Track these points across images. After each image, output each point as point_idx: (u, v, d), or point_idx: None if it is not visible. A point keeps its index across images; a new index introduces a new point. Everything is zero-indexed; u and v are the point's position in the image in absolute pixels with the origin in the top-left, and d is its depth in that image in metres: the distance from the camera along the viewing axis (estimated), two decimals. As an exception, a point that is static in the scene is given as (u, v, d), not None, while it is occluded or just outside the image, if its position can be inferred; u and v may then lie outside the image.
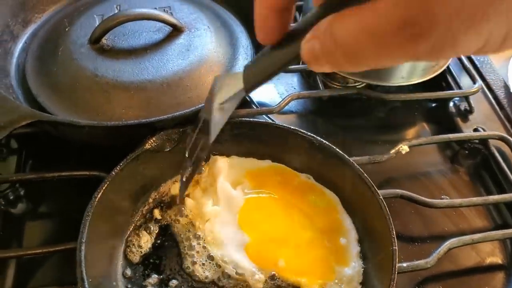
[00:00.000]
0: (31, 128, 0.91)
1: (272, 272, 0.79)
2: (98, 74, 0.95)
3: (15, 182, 0.94)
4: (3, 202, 0.92)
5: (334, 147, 0.86)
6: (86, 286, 0.68)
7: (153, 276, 0.79)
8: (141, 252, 0.82)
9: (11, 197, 0.94)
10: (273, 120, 1.07)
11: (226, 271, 0.79)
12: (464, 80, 1.19)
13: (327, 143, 0.87)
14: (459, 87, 1.17)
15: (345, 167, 0.85)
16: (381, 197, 0.80)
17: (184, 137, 0.87)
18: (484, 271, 0.91)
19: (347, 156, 0.85)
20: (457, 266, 0.91)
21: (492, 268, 0.91)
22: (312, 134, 0.88)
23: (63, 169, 0.91)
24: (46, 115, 0.85)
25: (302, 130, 0.88)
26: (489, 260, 0.92)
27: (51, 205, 0.96)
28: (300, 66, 1.16)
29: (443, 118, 1.16)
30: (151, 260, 0.81)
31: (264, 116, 1.07)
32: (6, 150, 0.99)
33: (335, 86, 1.17)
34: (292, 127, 0.89)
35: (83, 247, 0.72)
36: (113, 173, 0.80)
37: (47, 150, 1.00)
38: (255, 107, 1.12)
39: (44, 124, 0.85)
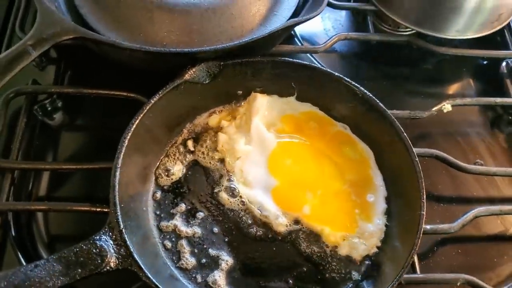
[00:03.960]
0: (72, 40, 0.90)
1: (296, 217, 0.81)
2: (144, -8, 0.92)
3: (53, 94, 0.94)
4: (40, 113, 0.94)
5: (377, 101, 0.84)
6: (118, 211, 0.70)
7: (181, 205, 0.81)
8: (172, 179, 0.83)
9: (49, 108, 0.95)
10: (316, 60, 1.04)
11: (251, 210, 0.81)
12: (523, 40, 1.12)
13: (370, 95, 0.84)
14: (516, 48, 1.10)
15: (386, 123, 0.83)
16: (417, 159, 0.79)
17: (224, 70, 0.85)
18: (506, 240, 0.91)
19: (389, 112, 0.83)
20: (480, 232, 0.91)
21: (515, 239, 0.91)
22: (356, 84, 0.85)
23: (102, 87, 0.91)
24: (90, 32, 0.84)
25: (346, 78, 0.85)
26: (513, 231, 0.92)
27: (87, 120, 0.97)
28: (351, 4, 1.11)
29: (492, 78, 1.11)
30: (181, 190, 0.83)
31: (307, 54, 1.04)
32: (45, 59, 0.99)
33: (385, 28, 1.11)
34: (336, 74, 0.86)
35: (117, 173, 0.73)
36: (151, 101, 0.80)
37: (87, 64, 0.99)
38: (299, 42, 1.08)
39: (87, 41, 0.84)
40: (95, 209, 0.79)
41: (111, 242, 0.68)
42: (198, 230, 0.79)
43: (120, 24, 0.92)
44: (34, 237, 0.83)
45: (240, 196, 0.82)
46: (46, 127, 0.94)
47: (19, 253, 0.80)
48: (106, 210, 0.76)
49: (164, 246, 0.78)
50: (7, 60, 0.79)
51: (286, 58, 0.88)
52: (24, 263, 0.79)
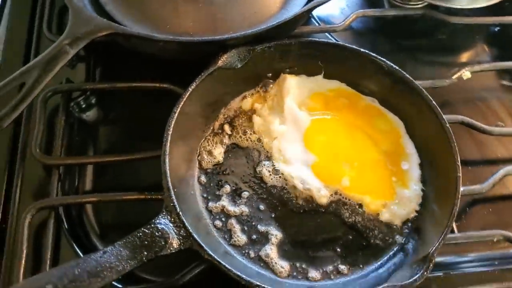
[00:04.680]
0: (105, 37, 0.93)
1: (336, 190, 0.85)
2: (167, -17, 0.95)
3: (87, 91, 0.97)
4: (76, 109, 0.96)
5: (404, 73, 0.87)
6: (173, 195, 0.73)
7: (226, 186, 0.85)
8: (214, 163, 0.87)
9: (83, 105, 0.97)
10: (334, 38, 1.07)
11: (293, 184, 0.84)
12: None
13: (397, 68, 0.88)
14: (527, 11, 1.13)
15: (413, 94, 0.86)
16: (448, 125, 0.82)
17: (253, 55, 0.88)
18: (533, 196, 0.95)
19: (416, 83, 0.86)
20: (507, 190, 0.95)
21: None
22: (382, 58, 0.88)
23: (132, 80, 0.94)
24: (123, 27, 0.86)
25: (372, 53, 0.89)
26: (540, 188, 0.96)
27: (122, 113, 0.99)
28: (364, -19, 1.13)
29: (506, 43, 1.14)
30: (224, 172, 0.86)
31: (326, 34, 1.07)
32: (74, 58, 1.00)
33: (397, 3, 1.14)
34: (362, 50, 0.89)
35: (167, 160, 0.77)
36: (189, 89, 0.83)
37: (114, 58, 1.01)
38: (316, 22, 1.11)
39: (120, 36, 0.86)
40: (144, 197, 0.81)
41: (171, 225, 0.71)
42: (245, 209, 0.83)
43: (147, 18, 0.95)
44: (86, 229, 0.86)
45: (282, 173, 0.85)
46: (83, 123, 0.96)
47: (74, 245, 0.83)
48: (155, 197, 0.80)
49: (215, 226, 0.81)
50: (46, 60, 0.81)
51: (312, 39, 0.92)
52: (81, 254, 0.82)
